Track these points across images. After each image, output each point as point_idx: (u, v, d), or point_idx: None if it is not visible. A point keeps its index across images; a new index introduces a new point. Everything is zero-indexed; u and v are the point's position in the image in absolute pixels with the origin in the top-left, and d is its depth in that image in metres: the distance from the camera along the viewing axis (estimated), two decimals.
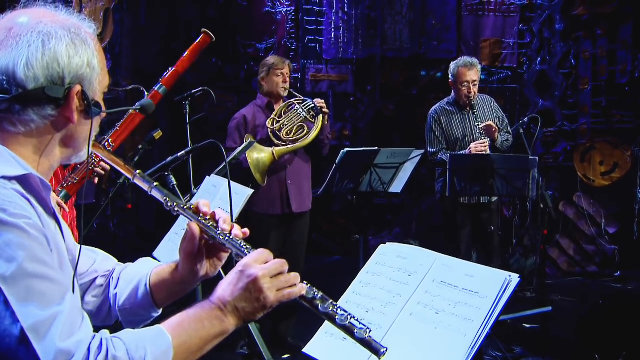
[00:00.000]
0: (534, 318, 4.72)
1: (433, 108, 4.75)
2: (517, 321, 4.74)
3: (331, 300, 1.31)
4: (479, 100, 4.64)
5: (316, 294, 1.31)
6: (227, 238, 1.36)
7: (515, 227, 6.41)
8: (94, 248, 1.59)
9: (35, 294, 1.08)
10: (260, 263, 1.28)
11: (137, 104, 1.65)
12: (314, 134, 4.18)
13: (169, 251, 2.76)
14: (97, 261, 1.55)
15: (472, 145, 4.39)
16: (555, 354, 4.33)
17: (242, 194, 2.91)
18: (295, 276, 1.31)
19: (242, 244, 1.35)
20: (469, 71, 4.47)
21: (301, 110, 4.22)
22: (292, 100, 4.28)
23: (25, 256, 1.08)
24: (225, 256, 1.46)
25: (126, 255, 1.82)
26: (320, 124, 4.20)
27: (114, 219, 7.08)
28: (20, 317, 1.07)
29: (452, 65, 4.60)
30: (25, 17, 1.21)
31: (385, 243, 1.80)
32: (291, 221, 4.36)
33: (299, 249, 4.39)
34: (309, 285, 1.32)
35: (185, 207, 1.41)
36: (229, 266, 1.40)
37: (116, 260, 1.60)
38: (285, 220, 4.35)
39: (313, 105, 4.21)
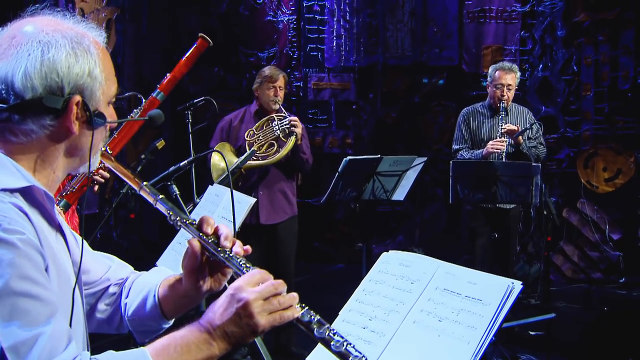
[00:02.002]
0: (539, 325, 4.70)
1: (466, 108, 4.84)
2: (522, 328, 4.72)
3: (327, 325, 1.27)
4: (514, 109, 4.71)
5: (312, 317, 1.27)
6: (226, 256, 1.33)
7: (519, 234, 6.39)
8: (110, 255, 1.58)
9: (19, 313, 1.06)
10: (253, 285, 1.24)
11: (147, 114, 1.64)
12: (281, 154, 4.10)
13: (172, 260, 2.76)
14: (112, 269, 1.54)
15: (490, 142, 4.43)
16: None
17: (245, 202, 2.91)
18: (291, 298, 1.26)
19: (241, 262, 1.32)
20: (506, 75, 4.57)
21: (277, 127, 4.17)
22: (274, 115, 4.23)
23: (13, 273, 1.06)
24: (230, 272, 1.42)
25: (130, 264, 1.81)
26: (290, 145, 4.10)
27: (117, 228, 7.09)
28: (1, 336, 1.05)
29: (491, 67, 4.73)
30: (28, 26, 1.21)
31: (388, 251, 1.80)
32: (272, 232, 4.34)
33: (287, 261, 4.36)
34: (306, 307, 1.28)
35: (187, 222, 1.39)
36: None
37: (131, 268, 1.58)
38: (262, 231, 4.31)
39: (288, 124, 4.14)
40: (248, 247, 1.39)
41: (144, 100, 2.60)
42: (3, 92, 1.15)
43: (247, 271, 1.29)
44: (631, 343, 3.97)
